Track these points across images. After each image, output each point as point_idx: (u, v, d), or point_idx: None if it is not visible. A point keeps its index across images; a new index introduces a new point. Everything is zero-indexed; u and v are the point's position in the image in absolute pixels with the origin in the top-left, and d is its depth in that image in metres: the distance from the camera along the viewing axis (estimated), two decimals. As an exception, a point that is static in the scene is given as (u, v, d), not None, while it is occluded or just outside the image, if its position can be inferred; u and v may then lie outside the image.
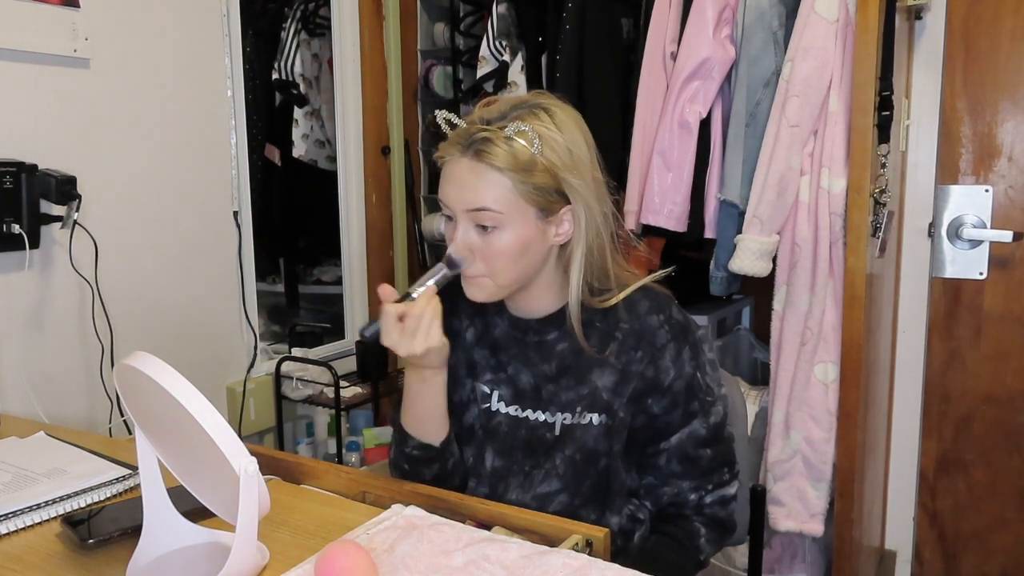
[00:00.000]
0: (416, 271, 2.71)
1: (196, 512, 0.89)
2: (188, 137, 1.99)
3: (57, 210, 1.65)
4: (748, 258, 1.85)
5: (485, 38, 2.34)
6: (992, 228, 2.12)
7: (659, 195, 1.93)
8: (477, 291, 1.07)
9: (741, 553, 2.04)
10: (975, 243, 2.15)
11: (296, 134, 2.84)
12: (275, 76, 2.81)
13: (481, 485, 1.15)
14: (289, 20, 2.80)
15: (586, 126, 1.08)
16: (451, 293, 1.13)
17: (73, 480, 1.04)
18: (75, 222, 1.66)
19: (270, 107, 2.88)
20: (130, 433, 1.75)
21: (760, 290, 2.26)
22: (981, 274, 2.15)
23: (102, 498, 1.02)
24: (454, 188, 1.03)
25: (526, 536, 0.94)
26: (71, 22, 1.69)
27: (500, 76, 2.32)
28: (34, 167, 1.60)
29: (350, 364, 2.46)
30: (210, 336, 2.09)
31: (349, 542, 0.80)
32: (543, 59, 2.24)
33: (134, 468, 1.06)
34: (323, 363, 2.24)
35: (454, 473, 1.16)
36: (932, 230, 2.19)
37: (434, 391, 1.10)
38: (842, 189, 1.78)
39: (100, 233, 1.74)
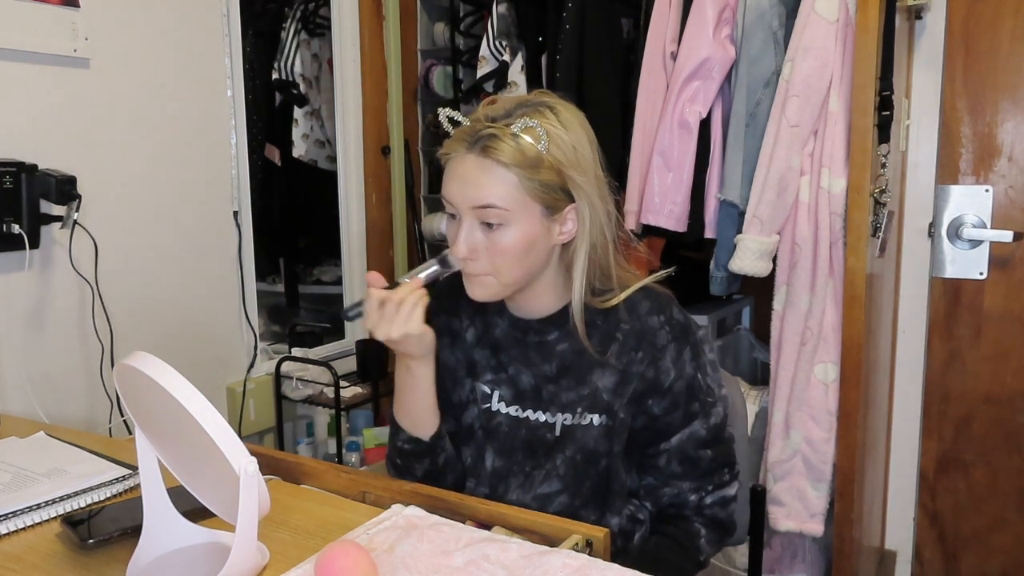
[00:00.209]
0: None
1: (196, 512, 0.89)
2: (188, 137, 1.99)
3: (57, 210, 1.65)
4: (748, 258, 1.85)
5: (485, 38, 2.34)
6: (992, 228, 2.12)
7: (659, 195, 1.93)
8: (480, 290, 1.07)
9: (741, 553, 2.04)
10: (975, 243, 2.15)
11: (296, 134, 2.84)
12: (275, 76, 2.81)
13: (481, 485, 1.15)
14: (289, 20, 2.80)
15: (589, 125, 1.08)
16: (452, 293, 1.15)
17: (73, 480, 1.04)
18: (75, 222, 1.66)
19: (270, 107, 2.89)
20: (130, 433, 1.75)
21: (760, 290, 2.26)
22: (981, 274, 2.15)
23: (102, 498, 1.02)
24: (459, 185, 1.02)
25: (526, 536, 0.94)
26: (71, 22, 1.69)
27: (500, 76, 2.32)
28: (34, 167, 1.60)
29: (350, 364, 2.46)
30: (210, 336, 2.09)
31: (349, 542, 0.80)
32: (543, 59, 2.24)
33: (134, 468, 1.06)
34: (323, 363, 2.24)
35: (445, 470, 1.15)
36: (932, 230, 2.19)
37: (420, 382, 1.10)
38: (842, 189, 1.78)
39: (100, 233, 1.74)
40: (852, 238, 1.75)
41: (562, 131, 1.02)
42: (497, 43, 2.32)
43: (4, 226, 1.56)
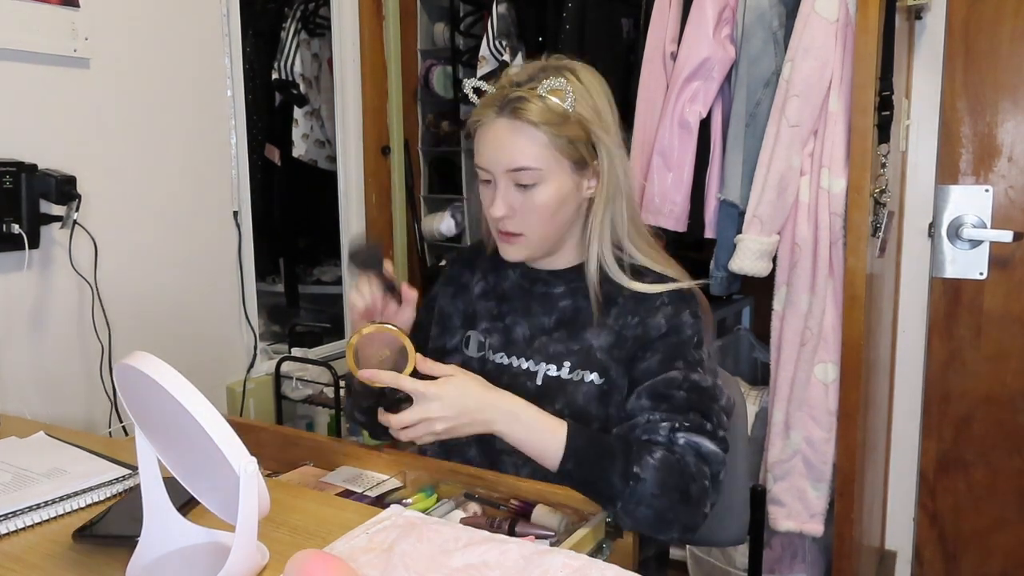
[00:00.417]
0: (416, 271, 2.71)
1: (188, 503, 0.90)
2: (188, 137, 1.99)
3: (57, 210, 1.65)
4: (748, 258, 1.85)
5: (485, 38, 2.34)
6: (992, 228, 2.12)
7: (659, 195, 1.93)
8: (514, 250, 1.13)
9: (741, 553, 2.04)
10: (975, 243, 2.15)
11: (296, 134, 2.84)
12: (275, 76, 2.81)
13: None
14: (289, 20, 2.80)
15: (607, 86, 1.16)
16: (477, 248, 1.26)
17: (73, 480, 1.04)
18: (75, 222, 1.66)
19: (270, 107, 2.88)
20: (127, 435, 1.75)
21: (760, 290, 2.26)
22: (981, 274, 2.15)
23: (102, 498, 1.02)
24: (492, 150, 1.08)
25: (564, 512, 0.99)
26: (71, 22, 1.69)
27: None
28: (34, 167, 1.60)
29: (349, 366, 2.46)
30: (210, 336, 2.09)
31: (322, 553, 0.77)
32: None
33: (134, 468, 1.06)
34: (323, 363, 2.24)
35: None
36: (932, 230, 2.19)
37: None
38: (842, 189, 1.78)
39: (100, 233, 1.74)
40: (852, 238, 1.75)
41: (584, 90, 1.09)
42: (497, 43, 2.32)
43: (4, 226, 1.56)
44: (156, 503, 0.85)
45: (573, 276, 1.17)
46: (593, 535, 0.96)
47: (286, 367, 2.28)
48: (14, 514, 0.95)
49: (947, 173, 2.16)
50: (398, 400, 1.05)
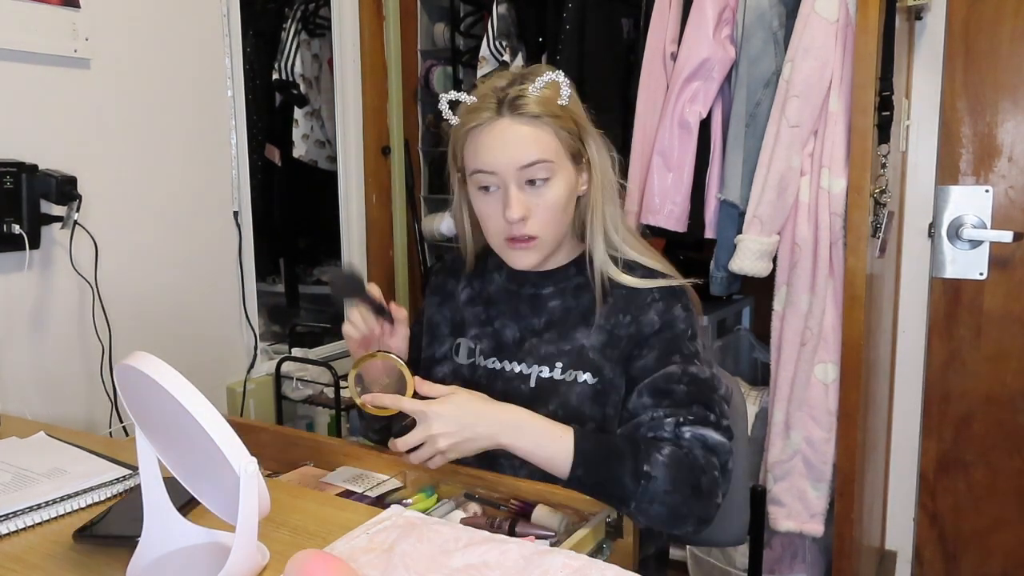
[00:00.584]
0: (416, 271, 2.71)
1: (187, 504, 0.90)
2: (188, 137, 1.99)
3: (57, 210, 1.65)
4: (748, 258, 1.85)
5: (485, 38, 2.34)
6: (992, 228, 2.12)
7: (659, 195, 1.93)
8: (528, 255, 1.10)
9: (741, 553, 2.04)
10: (975, 243, 2.15)
11: (296, 134, 2.84)
12: (275, 76, 2.81)
13: None
14: (289, 20, 2.80)
15: None
16: (457, 258, 1.24)
17: (73, 480, 1.04)
18: (75, 222, 1.66)
19: (270, 107, 2.88)
20: (127, 435, 1.75)
21: (760, 290, 2.26)
22: (981, 274, 2.15)
23: (102, 498, 1.02)
24: (500, 150, 1.05)
25: (565, 512, 0.99)
26: (71, 22, 1.69)
27: (500, 76, 2.32)
28: (34, 167, 1.60)
29: (350, 364, 2.46)
30: (210, 336, 2.09)
31: (322, 553, 0.77)
32: (543, 59, 2.24)
33: (134, 468, 1.06)
34: (323, 363, 2.24)
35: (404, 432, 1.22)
36: (932, 230, 2.19)
37: None
38: (842, 189, 1.78)
39: (100, 233, 1.74)
40: (852, 238, 1.75)
41: (569, 85, 1.09)
42: (497, 43, 2.32)
43: (4, 226, 1.56)
44: (156, 503, 0.85)
45: (561, 276, 1.16)
46: (593, 535, 0.96)
47: (286, 367, 2.28)
48: (14, 514, 0.95)
49: (947, 173, 2.16)
50: (404, 428, 1.04)
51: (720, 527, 1.28)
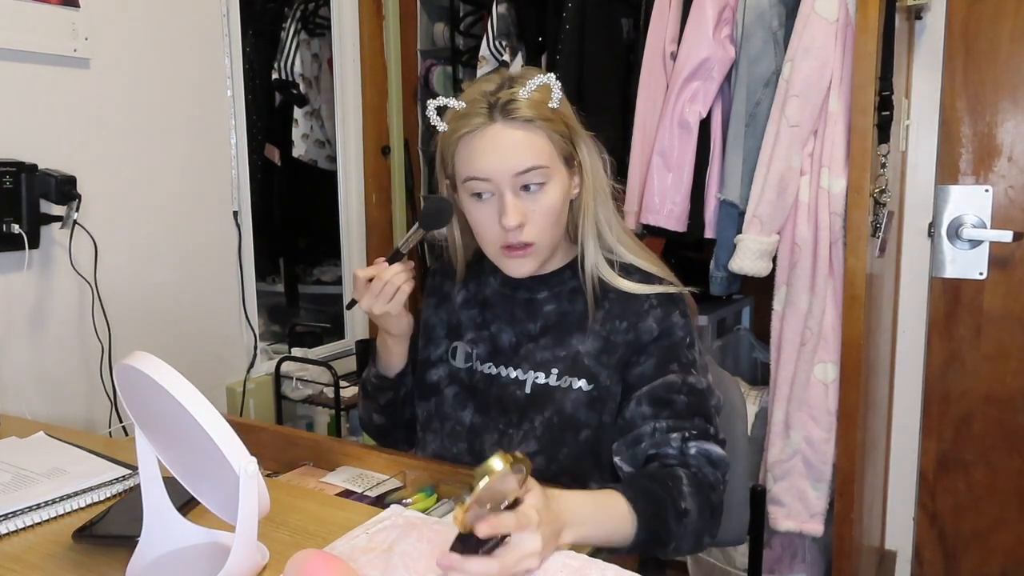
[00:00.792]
0: (416, 271, 2.71)
1: (188, 504, 0.90)
2: (188, 137, 1.99)
3: (57, 210, 1.65)
4: (748, 258, 1.85)
5: (485, 38, 2.34)
6: (992, 228, 2.12)
7: (659, 195, 1.93)
8: (525, 263, 1.09)
9: (741, 553, 2.04)
10: (975, 243, 2.15)
11: (296, 134, 2.84)
12: (275, 76, 2.81)
13: (459, 440, 1.16)
14: (289, 20, 2.80)
15: None
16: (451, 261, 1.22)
17: (73, 480, 1.04)
18: (75, 222, 1.66)
19: (270, 107, 2.88)
20: (127, 435, 1.75)
21: (760, 290, 2.26)
22: (981, 274, 2.15)
23: (102, 498, 1.02)
24: (493, 157, 1.03)
25: None
26: (71, 22, 1.69)
27: (500, 76, 2.32)
28: (34, 167, 1.60)
29: (350, 364, 2.47)
30: (210, 336, 2.09)
31: (322, 553, 0.77)
32: (543, 59, 2.24)
33: (134, 468, 1.06)
34: (323, 363, 2.24)
35: (407, 400, 1.23)
36: (932, 230, 2.19)
37: (393, 353, 1.19)
38: (842, 189, 1.78)
39: (100, 233, 1.74)
40: (852, 238, 1.75)
41: (559, 87, 1.07)
42: (497, 43, 2.32)
43: (4, 226, 1.56)
44: (156, 503, 0.85)
45: (556, 280, 1.14)
46: (593, 535, 0.96)
47: (286, 367, 2.28)
48: (14, 514, 0.95)
49: (947, 173, 2.16)
50: (472, 543, 0.76)
51: (720, 527, 1.28)
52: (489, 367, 1.15)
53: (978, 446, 2.18)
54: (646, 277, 1.12)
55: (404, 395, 1.22)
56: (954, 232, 2.17)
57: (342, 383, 2.21)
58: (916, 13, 2.08)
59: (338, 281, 2.75)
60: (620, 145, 2.05)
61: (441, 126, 1.07)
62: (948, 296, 2.19)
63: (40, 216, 1.62)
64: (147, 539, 0.84)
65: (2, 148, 1.59)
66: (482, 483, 0.72)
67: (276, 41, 2.82)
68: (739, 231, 1.88)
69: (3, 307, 1.62)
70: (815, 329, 1.84)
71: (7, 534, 0.93)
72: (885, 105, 1.76)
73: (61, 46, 1.68)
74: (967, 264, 2.16)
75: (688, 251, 2.32)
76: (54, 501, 0.99)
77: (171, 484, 0.85)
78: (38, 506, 0.97)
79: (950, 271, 2.18)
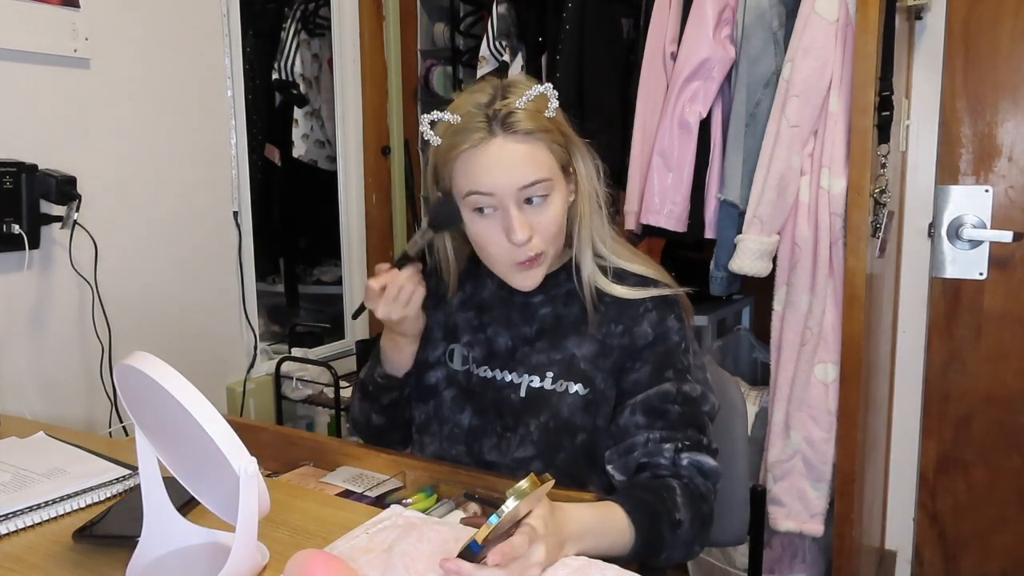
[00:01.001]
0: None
1: (188, 504, 0.90)
2: (188, 137, 1.99)
3: (57, 210, 1.65)
4: (748, 258, 1.85)
5: (485, 38, 2.34)
6: (992, 228, 2.12)
7: (659, 195, 1.93)
8: (535, 274, 1.08)
9: (741, 553, 2.04)
10: (975, 243, 2.15)
11: (296, 134, 2.84)
12: (275, 76, 2.81)
13: (458, 443, 1.16)
14: (289, 20, 2.80)
15: None
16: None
17: (73, 480, 1.04)
18: (75, 222, 1.66)
19: (270, 107, 2.88)
20: (127, 435, 1.75)
21: (760, 290, 2.26)
22: (981, 274, 2.15)
23: (102, 498, 1.02)
24: (499, 172, 1.01)
25: None
26: (71, 22, 1.69)
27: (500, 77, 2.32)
28: (34, 167, 1.60)
29: (350, 364, 2.47)
30: (210, 336, 2.09)
31: (322, 553, 0.77)
32: (543, 59, 2.24)
33: (134, 468, 1.06)
34: (323, 363, 2.24)
35: (408, 401, 1.23)
36: (932, 230, 2.19)
37: (404, 353, 1.18)
38: (842, 189, 1.78)
39: (100, 233, 1.74)
40: (852, 238, 1.75)
41: (555, 97, 1.06)
42: (497, 43, 2.32)
43: (4, 226, 1.56)
44: (156, 503, 0.85)
45: (551, 284, 1.14)
46: (593, 535, 0.96)
47: (286, 367, 2.28)
48: (14, 514, 0.95)
49: (947, 173, 2.16)
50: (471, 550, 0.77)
51: (720, 527, 1.28)
52: (485, 370, 1.15)
53: (978, 446, 2.18)
54: (641, 280, 1.12)
55: (407, 395, 1.22)
56: (954, 232, 2.17)
57: (342, 383, 2.21)
58: (916, 13, 2.08)
59: (338, 281, 2.75)
60: (620, 145, 2.05)
61: (435, 140, 1.05)
62: (948, 296, 2.19)
63: (40, 216, 1.62)
64: (147, 539, 0.84)
65: (2, 148, 1.60)
66: (512, 506, 0.74)
67: (276, 41, 2.82)
68: (739, 231, 1.88)
69: (3, 307, 1.62)
70: (815, 329, 1.84)
71: (7, 534, 0.93)
72: (885, 105, 1.76)
73: (61, 46, 1.68)
74: (967, 264, 2.16)
75: (688, 251, 2.32)
76: (54, 501, 0.99)
77: (171, 484, 0.85)
78: (38, 506, 0.97)
79: (950, 271, 2.18)
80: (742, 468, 1.31)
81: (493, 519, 0.73)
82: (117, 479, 1.06)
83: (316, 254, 3.27)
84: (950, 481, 2.23)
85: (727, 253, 1.90)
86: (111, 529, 0.91)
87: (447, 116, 1.03)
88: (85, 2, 1.71)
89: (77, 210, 1.65)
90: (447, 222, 1.10)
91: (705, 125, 1.92)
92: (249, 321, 2.18)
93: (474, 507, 1.04)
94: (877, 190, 1.78)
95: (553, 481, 0.79)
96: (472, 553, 0.74)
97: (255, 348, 2.21)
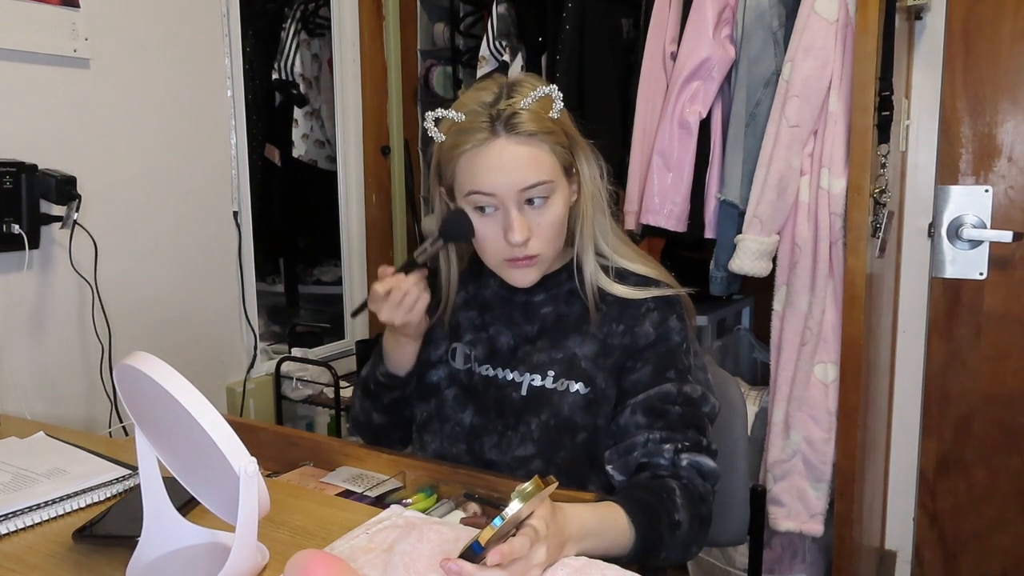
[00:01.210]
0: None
1: (188, 504, 0.90)
2: (188, 137, 1.99)
3: (57, 210, 1.65)
4: (748, 258, 1.85)
5: (485, 38, 2.34)
6: (992, 228, 2.12)
7: (659, 195, 1.93)
8: (530, 273, 1.09)
9: (741, 553, 2.04)
10: (975, 243, 2.15)
11: (296, 134, 2.84)
12: (275, 76, 2.81)
13: (459, 442, 1.16)
14: (289, 20, 2.80)
15: None
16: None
17: (73, 480, 1.04)
18: (75, 222, 1.66)
19: (270, 107, 2.89)
20: (127, 435, 1.75)
21: (760, 290, 2.26)
22: (981, 274, 2.15)
23: (102, 498, 1.02)
24: (501, 172, 1.02)
25: None
26: (71, 22, 1.69)
27: (500, 76, 2.32)
28: (34, 167, 1.60)
29: (350, 364, 2.47)
30: (210, 336, 2.09)
31: (322, 553, 0.77)
32: (543, 59, 2.24)
33: (134, 468, 1.06)
34: (323, 363, 2.24)
35: (409, 400, 1.23)
36: (932, 230, 2.19)
37: (407, 353, 1.18)
38: (842, 189, 1.78)
39: (100, 233, 1.74)
40: (852, 238, 1.75)
41: (560, 97, 1.06)
42: (497, 43, 2.32)
43: (4, 226, 1.56)
44: (156, 503, 0.85)
45: (553, 283, 1.14)
46: (593, 535, 0.96)
47: (286, 367, 2.28)
48: (14, 514, 0.95)
49: (947, 173, 2.16)
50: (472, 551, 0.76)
51: (720, 527, 1.28)
52: (487, 369, 1.15)
53: (978, 446, 2.18)
54: (643, 280, 1.12)
55: (408, 394, 1.22)
56: (954, 232, 2.17)
57: (342, 383, 2.21)
58: (916, 13, 2.08)
59: (338, 281, 2.75)
60: (620, 145, 2.05)
61: (439, 137, 1.06)
62: (948, 296, 2.19)
63: (40, 216, 1.62)
64: (147, 539, 0.84)
65: (2, 148, 1.60)
66: (515, 509, 0.74)
67: (276, 41, 2.82)
68: (739, 231, 1.88)
69: (3, 307, 1.62)
70: (815, 329, 1.84)
71: (7, 534, 0.93)
72: (885, 105, 1.76)
73: (61, 46, 1.68)
74: (967, 264, 2.16)
75: (688, 251, 2.32)
76: (54, 501, 0.99)
77: (171, 484, 0.85)
78: (38, 506, 0.97)
79: (950, 271, 2.18)
80: (742, 468, 1.31)
81: (497, 521, 0.73)
82: (117, 479, 1.06)
83: (316, 254, 3.27)
84: (950, 481, 2.23)
85: (727, 253, 1.90)
86: (111, 529, 0.91)
87: (452, 114, 1.04)
88: (85, 2, 1.71)
89: (77, 210, 1.65)
90: (457, 235, 1.10)
91: (705, 125, 1.92)
92: (249, 321, 2.18)
93: (474, 507, 1.04)
94: (877, 190, 1.78)
95: (556, 483, 0.79)
96: (474, 554, 0.74)
97: (255, 348, 2.21)
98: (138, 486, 0.86)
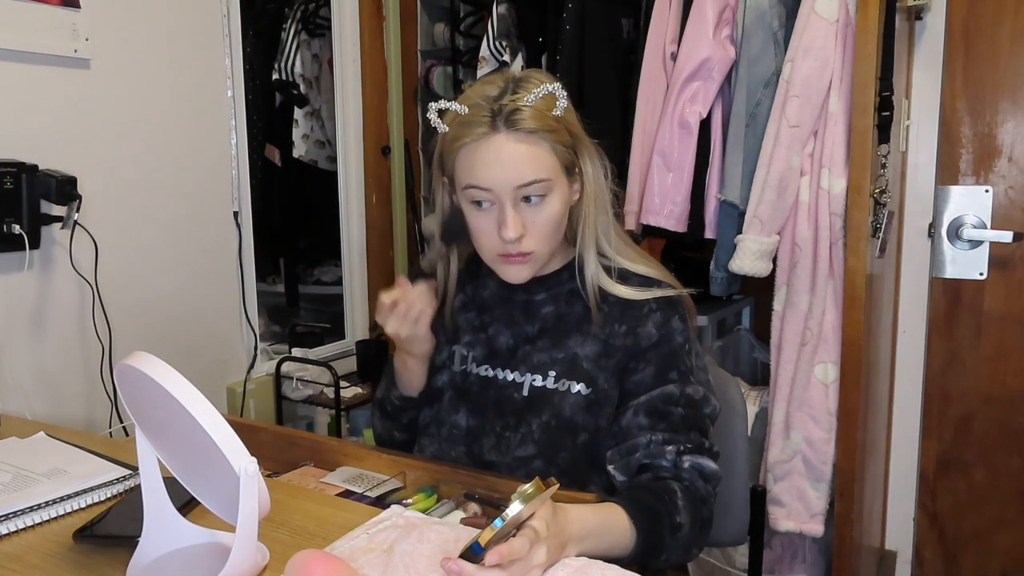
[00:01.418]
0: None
1: (188, 504, 0.90)
2: (188, 137, 1.99)
3: (57, 210, 1.65)
4: (748, 258, 1.85)
5: (485, 38, 2.34)
6: (992, 228, 2.12)
7: (659, 195, 1.93)
8: (522, 270, 1.09)
9: (741, 553, 2.04)
10: (975, 243, 2.15)
11: (296, 134, 2.84)
12: (275, 76, 2.81)
13: (457, 444, 1.16)
14: (289, 20, 2.80)
15: None
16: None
17: (73, 480, 1.04)
18: (75, 222, 1.66)
19: (270, 107, 2.89)
20: (127, 435, 1.75)
21: (760, 290, 2.26)
22: (981, 274, 2.15)
23: (102, 498, 1.02)
24: (498, 168, 1.02)
25: None
26: (71, 22, 1.69)
27: (500, 77, 2.32)
28: (34, 167, 1.60)
29: (350, 364, 2.47)
30: (210, 336, 2.09)
31: (322, 553, 0.77)
32: (543, 59, 2.24)
33: (134, 468, 1.06)
34: (323, 363, 2.24)
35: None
36: (932, 230, 2.19)
37: (414, 373, 1.19)
38: (842, 189, 1.78)
39: (100, 233, 1.74)
40: (852, 238, 1.75)
41: (565, 95, 1.05)
42: (497, 44, 2.32)
43: (4, 226, 1.56)
44: (156, 503, 0.85)
45: (554, 282, 1.14)
46: (593, 535, 0.96)
47: (286, 367, 2.28)
48: (14, 514, 0.95)
49: (947, 173, 2.16)
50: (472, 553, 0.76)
51: (720, 527, 1.28)
52: (486, 369, 1.15)
53: (978, 446, 2.18)
54: (645, 281, 1.12)
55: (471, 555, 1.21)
56: (954, 232, 2.17)
57: (342, 383, 2.21)
58: (916, 13, 2.08)
59: (338, 281, 2.75)
60: (620, 145, 2.05)
61: (442, 128, 1.05)
62: (948, 296, 2.19)
63: (40, 216, 1.62)
64: (147, 539, 0.84)
65: (2, 148, 1.60)
66: (516, 510, 0.73)
67: (276, 41, 2.82)
68: (739, 231, 1.88)
69: (3, 307, 1.62)
70: (815, 329, 1.84)
71: (7, 534, 0.93)
72: (885, 105, 1.76)
73: (61, 46, 1.68)
74: (967, 264, 2.16)
75: (688, 251, 2.32)
76: (54, 501, 0.99)
77: (171, 484, 0.85)
78: (38, 506, 0.97)
79: (950, 271, 2.18)
80: (742, 468, 1.31)
81: (497, 522, 0.73)
82: (117, 479, 1.06)
83: (316, 254, 3.27)
84: (950, 481, 2.23)
85: (727, 253, 1.90)
86: (111, 529, 0.91)
87: (455, 106, 1.04)
88: (85, 2, 1.71)
89: (77, 210, 1.65)
90: (457, 235, 1.11)
91: (705, 125, 1.92)
92: (249, 321, 2.18)
93: (474, 507, 1.04)
94: (877, 190, 1.78)
95: (558, 485, 0.79)
96: (474, 554, 0.74)
97: (255, 348, 2.21)
98: (138, 486, 0.86)
